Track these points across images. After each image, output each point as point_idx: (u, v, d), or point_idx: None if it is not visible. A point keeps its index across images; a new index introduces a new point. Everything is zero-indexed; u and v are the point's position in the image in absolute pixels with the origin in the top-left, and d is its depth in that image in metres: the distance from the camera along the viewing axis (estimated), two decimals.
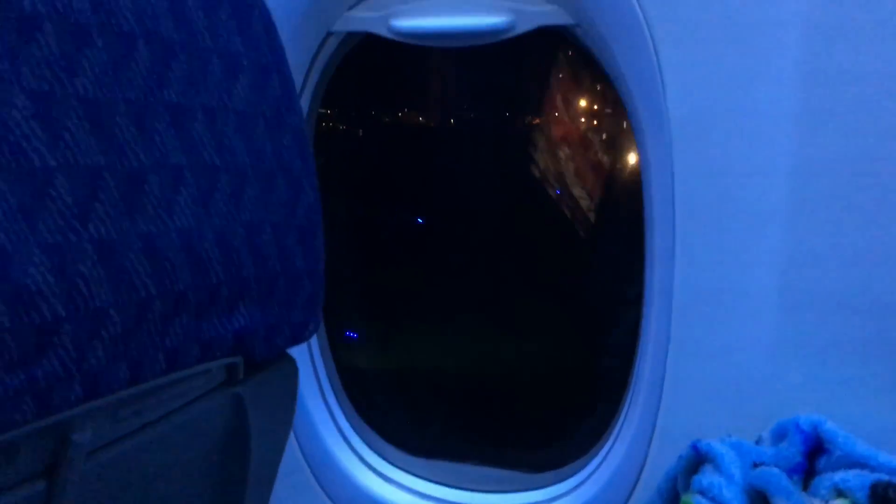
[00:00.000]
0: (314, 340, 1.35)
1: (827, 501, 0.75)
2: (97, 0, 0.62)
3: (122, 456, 0.69)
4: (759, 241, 1.01)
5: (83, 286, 0.59)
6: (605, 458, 1.16)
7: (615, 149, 1.49)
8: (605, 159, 1.52)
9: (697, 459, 0.83)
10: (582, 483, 1.18)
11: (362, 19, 1.16)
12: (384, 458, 1.31)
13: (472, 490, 1.27)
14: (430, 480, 1.29)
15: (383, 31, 1.15)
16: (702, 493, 0.77)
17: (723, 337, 1.03)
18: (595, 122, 1.52)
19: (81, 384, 0.60)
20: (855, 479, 0.76)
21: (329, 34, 1.20)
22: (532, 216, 1.58)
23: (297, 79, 1.20)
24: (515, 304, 1.56)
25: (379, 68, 1.43)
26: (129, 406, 0.68)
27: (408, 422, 1.47)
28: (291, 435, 1.25)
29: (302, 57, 1.18)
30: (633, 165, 1.44)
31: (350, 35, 1.23)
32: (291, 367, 0.95)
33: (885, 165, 0.96)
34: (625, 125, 1.45)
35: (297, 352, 0.97)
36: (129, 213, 0.64)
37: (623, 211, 1.47)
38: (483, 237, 1.59)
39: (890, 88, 0.95)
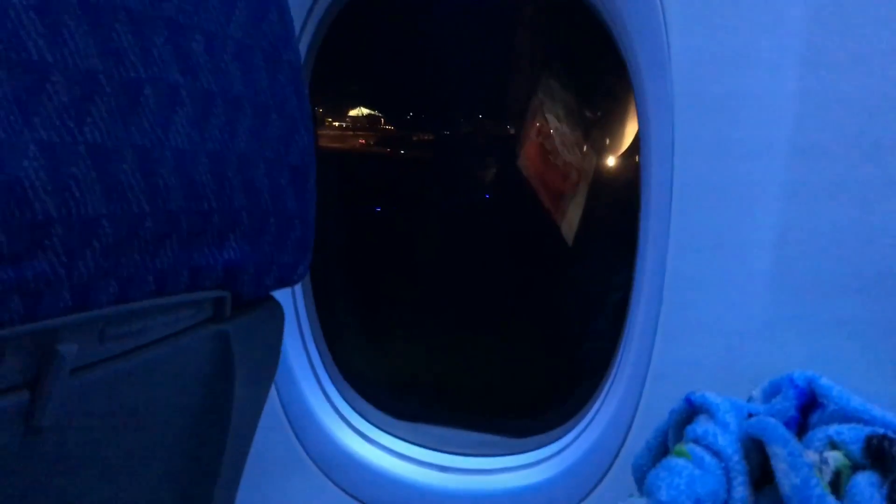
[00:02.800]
0: (301, 305, 1.33)
1: (821, 453, 0.74)
2: None
3: (106, 379, 0.67)
4: (755, 216, 0.99)
5: (76, 189, 0.57)
6: (591, 421, 1.15)
7: (607, 113, 1.48)
8: (596, 140, 1.51)
9: (690, 411, 0.83)
10: (567, 446, 1.17)
11: None
12: (367, 420, 1.30)
13: (455, 454, 1.26)
14: (413, 443, 1.28)
15: None
16: (696, 441, 0.76)
17: (715, 305, 1.02)
18: (589, 96, 1.51)
19: (70, 292, 0.58)
20: (849, 431, 0.75)
21: None
22: (515, 187, 1.56)
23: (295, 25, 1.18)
24: (501, 274, 1.56)
25: (376, 23, 1.41)
26: (116, 326, 0.66)
27: (391, 385, 1.46)
28: (273, 391, 1.24)
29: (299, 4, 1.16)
30: (625, 146, 1.43)
31: None
32: (278, 311, 0.93)
33: (888, 140, 0.95)
34: (620, 104, 1.44)
35: (282, 306, 0.95)
36: (124, 123, 0.62)
37: (614, 194, 1.46)
38: (475, 212, 1.58)
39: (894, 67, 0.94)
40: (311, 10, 1.19)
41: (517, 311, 1.57)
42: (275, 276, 0.88)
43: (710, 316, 1.01)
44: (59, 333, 0.59)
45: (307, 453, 1.25)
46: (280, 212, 0.87)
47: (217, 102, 0.75)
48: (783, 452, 0.70)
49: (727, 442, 0.75)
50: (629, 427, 1.07)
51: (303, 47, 1.23)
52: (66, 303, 0.58)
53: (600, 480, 1.10)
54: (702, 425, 0.78)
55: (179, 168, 0.69)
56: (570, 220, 1.49)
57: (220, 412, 0.88)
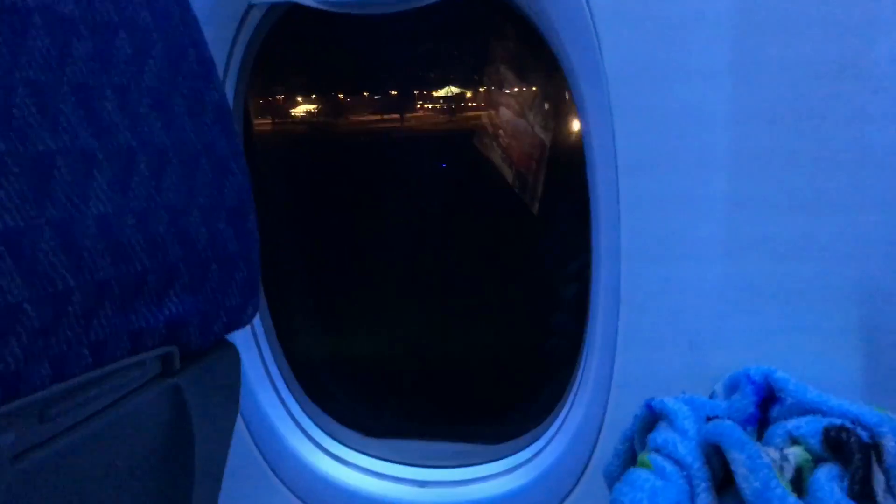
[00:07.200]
0: (259, 328, 1.31)
1: (781, 449, 0.74)
2: None
3: (53, 458, 0.66)
4: (703, 192, 1.00)
5: None
6: (562, 425, 1.15)
7: (556, 117, 1.47)
8: (546, 129, 1.49)
9: (652, 418, 0.82)
10: (541, 451, 1.17)
11: None
12: (339, 441, 1.28)
13: (430, 466, 1.26)
14: (388, 460, 1.27)
15: (308, 0, 1.10)
16: (657, 450, 0.76)
17: (672, 291, 1.03)
18: (532, 88, 1.49)
19: None
20: (808, 425, 0.75)
21: (251, 6, 1.15)
22: (476, 193, 1.55)
23: (220, 55, 1.15)
24: (465, 282, 1.54)
25: (307, 42, 1.39)
26: (55, 405, 0.65)
27: (362, 403, 1.45)
28: (243, 425, 1.22)
29: (222, 32, 1.13)
30: (574, 134, 1.42)
31: (273, 7, 1.18)
32: (232, 354, 0.92)
33: (826, 110, 0.96)
34: (565, 94, 1.43)
35: (242, 340, 0.94)
36: (37, 202, 0.60)
37: (567, 183, 1.45)
38: (428, 217, 1.56)
39: (827, 34, 0.94)
40: (233, 44, 1.16)
41: (480, 310, 1.56)
42: (223, 322, 0.86)
43: (668, 320, 1.02)
44: None
45: (282, 482, 1.24)
46: (221, 256, 0.85)
47: (138, 158, 0.73)
48: (741, 457, 0.70)
49: (687, 450, 0.74)
50: (600, 427, 1.07)
51: (231, 80, 1.20)
52: None
53: (577, 482, 1.10)
54: (662, 433, 0.77)
55: (104, 234, 0.67)
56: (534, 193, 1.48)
57: (183, 460, 0.87)
